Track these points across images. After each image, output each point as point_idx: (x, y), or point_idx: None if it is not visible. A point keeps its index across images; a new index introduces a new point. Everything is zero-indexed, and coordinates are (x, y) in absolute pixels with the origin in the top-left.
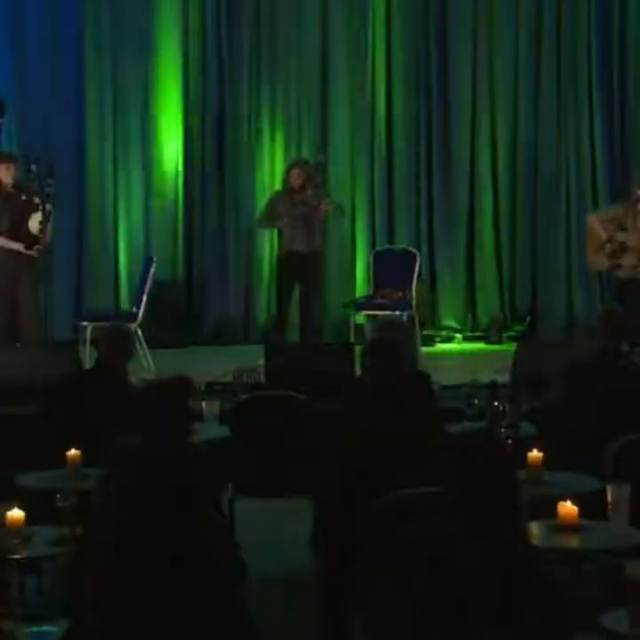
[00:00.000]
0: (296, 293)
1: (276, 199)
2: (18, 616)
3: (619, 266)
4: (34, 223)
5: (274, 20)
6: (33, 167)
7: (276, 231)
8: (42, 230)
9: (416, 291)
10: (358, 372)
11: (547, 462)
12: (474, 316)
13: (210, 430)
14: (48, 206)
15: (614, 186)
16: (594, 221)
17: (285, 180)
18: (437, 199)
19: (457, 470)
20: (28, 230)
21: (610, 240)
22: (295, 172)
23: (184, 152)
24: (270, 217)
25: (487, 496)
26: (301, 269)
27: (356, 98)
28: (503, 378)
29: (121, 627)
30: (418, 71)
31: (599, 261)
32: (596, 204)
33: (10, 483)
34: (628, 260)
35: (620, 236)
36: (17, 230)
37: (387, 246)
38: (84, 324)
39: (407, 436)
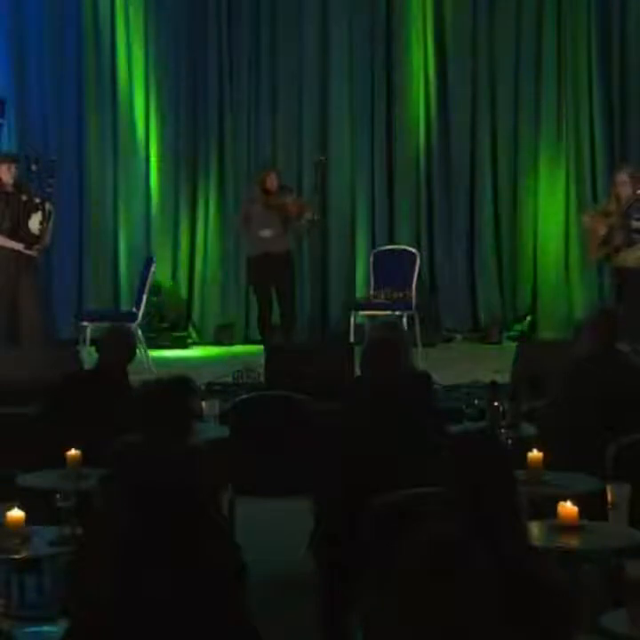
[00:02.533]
0: (273, 294)
1: (250, 202)
2: (18, 616)
3: (615, 249)
4: (34, 223)
5: (274, 21)
6: (33, 167)
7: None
8: (42, 230)
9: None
10: (358, 371)
11: (547, 462)
12: (474, 316)
13: (210, 430)
14: (48, 206)
15: None
16: (588, 221)
17: (260, 183)
18: (437, 199)
19: (457, 470)
20: (28, 230)
21: (605, 241)
22: (271, 175)
23: (184, 152)
24: (247, 220)
25: (487, 496)
26: (277, 270)
27: (356, 97)
28: (503, 378)
29: (121, 627)
30: (418, 70)
31: (598, 254)
32: (596, 204)
33: (10, 483)
34: (617, 239)
35: (607, 226)
36: (17, 230)
37: (387, 246)
38: (84, 324)
39: (407, 435)
